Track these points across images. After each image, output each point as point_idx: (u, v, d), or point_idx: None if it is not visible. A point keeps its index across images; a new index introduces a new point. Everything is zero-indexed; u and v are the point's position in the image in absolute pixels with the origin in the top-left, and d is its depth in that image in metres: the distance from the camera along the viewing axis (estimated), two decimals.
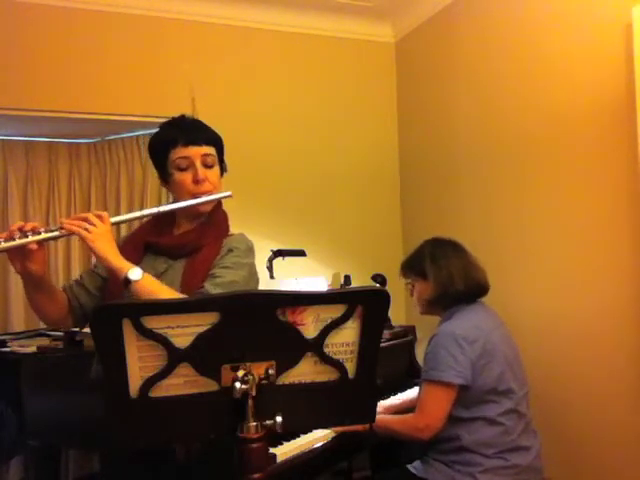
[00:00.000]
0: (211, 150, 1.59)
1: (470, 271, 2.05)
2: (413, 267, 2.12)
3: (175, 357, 0.98)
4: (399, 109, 3.64)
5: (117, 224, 1.50)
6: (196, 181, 1.55)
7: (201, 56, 3.19)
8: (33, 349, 2.40)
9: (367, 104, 3.55)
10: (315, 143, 3.41)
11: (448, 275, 2.02)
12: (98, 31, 3.01)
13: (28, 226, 1.39)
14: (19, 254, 1.40)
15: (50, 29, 2.94)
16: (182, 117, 1.65)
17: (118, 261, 1.41)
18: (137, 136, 3.45)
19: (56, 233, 1.41)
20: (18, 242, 1.36)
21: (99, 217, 1.43)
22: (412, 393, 2.43)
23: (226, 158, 1.69)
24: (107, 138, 3.51)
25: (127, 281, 1.38)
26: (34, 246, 1.38)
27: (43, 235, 1.39)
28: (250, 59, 3.31)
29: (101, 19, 3.01)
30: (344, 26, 3.48)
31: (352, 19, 3.47)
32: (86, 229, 1.40)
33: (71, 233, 1.42)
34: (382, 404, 2.26)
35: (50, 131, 3.40)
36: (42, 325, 2.76)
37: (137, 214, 1.55)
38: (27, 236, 1.37)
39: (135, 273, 1.39)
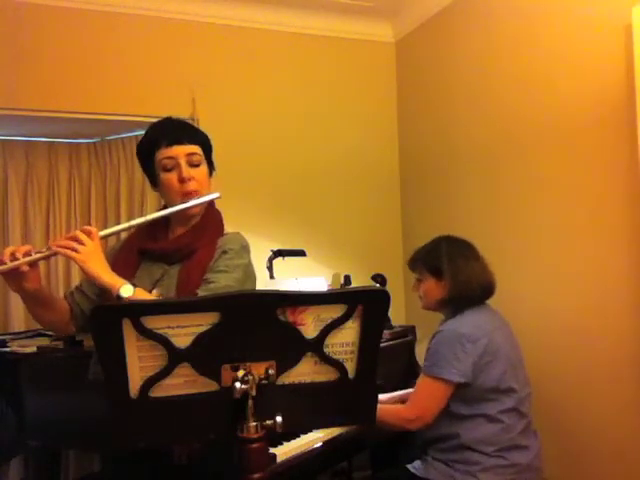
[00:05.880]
0: (196, 149, 1.56)
1: (486, 275, 2.02)
2: (427, 264, 2.06)
3: (175, 357, 0.98)
4: (399, 109, 3.64)
5: (106, 237, 1.50)
6: (181, 180, 1.53)
7: (201, 56, 3.19)
8: (33, 349, 2.39)
9: (367, 104, 3.55)
10: (315, 143, 3.41)
11: (467, 280, 1.98)
12: (98, 31, 3.01)
13: (21, 250, 1.40)
14: (13, 276, 1.41)
15: (50, 29, 2.94)
16: (168, 119, 1.63)
17: (110, 278, 1.41)
18: (137, 136, 3.44)
19: (46, 253, 1.43)
20: (10, 265, 1.38)
21: (87, 233, 1.43)
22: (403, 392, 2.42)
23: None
24: (107, 138, 3.50)
25: (119, 298, 1.38)
26: (26, 268, 1.40)
27: (34, 256, 1.41)
28: (250, 59, 3.31)
29: (101, 19, 3.01)
30: (344, 26, 3.48)
31: (352, 19, 3.47)
32: (75, 249, 1.40)
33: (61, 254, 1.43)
34: None
35: (50, 131, 3.39)
36: None
37: (126, 225, 1.55)
38: (18, 259, 1.39)
39: (126, 290, 1.39)
